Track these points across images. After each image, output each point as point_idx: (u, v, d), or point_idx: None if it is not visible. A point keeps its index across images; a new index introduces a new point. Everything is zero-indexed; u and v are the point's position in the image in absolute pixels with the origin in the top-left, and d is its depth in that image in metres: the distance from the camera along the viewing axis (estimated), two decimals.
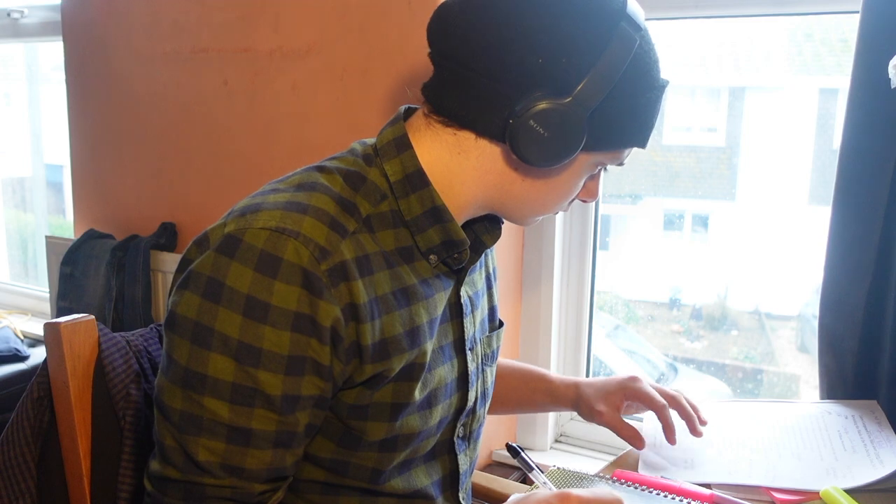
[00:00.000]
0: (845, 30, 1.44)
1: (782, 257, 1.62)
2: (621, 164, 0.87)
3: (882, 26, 1.05)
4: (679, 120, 1.70)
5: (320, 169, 0.83)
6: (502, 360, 1.19)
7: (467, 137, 0.82)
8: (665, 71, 0.85)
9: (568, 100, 0.76)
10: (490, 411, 1.15)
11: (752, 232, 1.68)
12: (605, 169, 0.89)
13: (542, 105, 0.76)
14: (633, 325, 1.88)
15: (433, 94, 0.83)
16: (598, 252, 1.57)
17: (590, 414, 1.07)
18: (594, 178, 0.89)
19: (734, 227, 1.72)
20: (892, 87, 1.00)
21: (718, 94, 1.69)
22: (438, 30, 0.82)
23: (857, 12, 1.08)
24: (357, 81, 1.54)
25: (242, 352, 0.72)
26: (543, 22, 0.76)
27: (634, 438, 1.03)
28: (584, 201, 0.91)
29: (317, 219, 0.75)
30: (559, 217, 1.52)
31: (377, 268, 0.79)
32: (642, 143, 0.84)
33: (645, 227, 1.78)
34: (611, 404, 1.06)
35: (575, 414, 1.61)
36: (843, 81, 1.21)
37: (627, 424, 1.05)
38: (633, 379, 1.06)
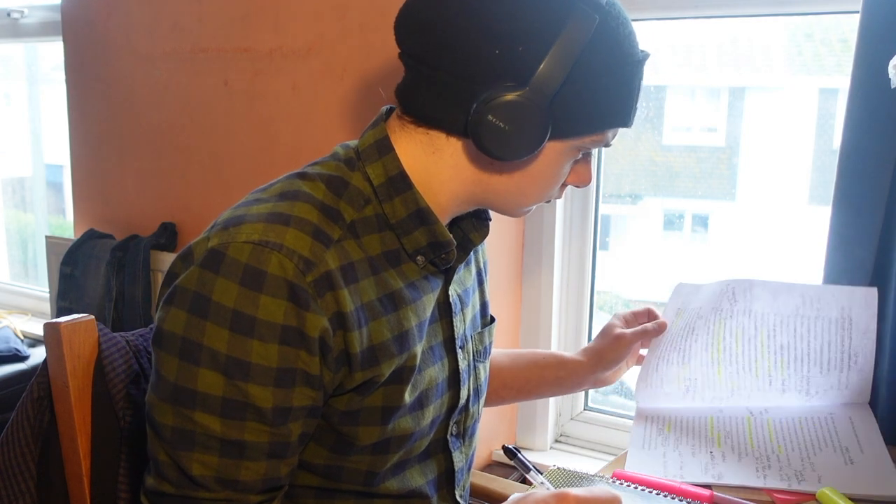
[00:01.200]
0: (845, 30, 1.44)
1: (782, 257, 1.61)
2: (607, 145, 0.85)
3: (882, 26, 1.05)
4: (679, 120, 1.70)
5: (302, 176, 0.82)
6: (510, 350, 1.19)
7: (438, 136, 0.82)
8: (642, 44, 0.82)
9: (525, 90, 0.75)
10: (502, 399, 1.16)
11: (752, 232, 1.67)
12: (590, 153, 0.87)
13: (500, 98, 0.75)
14: None
15: (403, 94, 0.82)
16: (598, 252, 1.57)
17: (614, 346, 1.09)
18: (581, 162, 0.87)
19: (734, 227, 1.72)
20: (892, 87, 1.00)
21: (718, 94, 1.69)
22: (402, 29, 0.81)
23: (857, 12, 1.08)
24: (357, 81, 1.54)
25: (231, 366, 0.72)
26: (498, 12, 0.75)
27: (658, 326, 1.10)
28: (577, 186, 0.89)
29: (300, 230, 0.75)
30: (559, 217, 1.52)
31: (362, 275, 0.79)
32: (624, 123, 0.82)
33: (645, 227, 1.78)
34: (625, 327, 1.11)
35: (575, 414, 1.61)
36: (843, 81, 1.20)
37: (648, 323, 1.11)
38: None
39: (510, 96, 0.75)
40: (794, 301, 1.08)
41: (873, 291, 1.06)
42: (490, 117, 0.75)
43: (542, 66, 0.74)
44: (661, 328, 1.10)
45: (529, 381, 1.15)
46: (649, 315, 1.13)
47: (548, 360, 1.14)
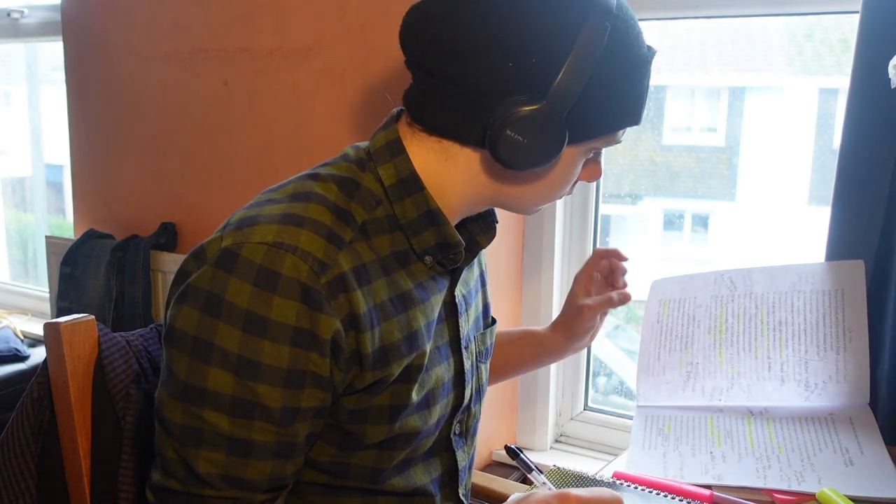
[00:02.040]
0: (845, 30, 1.44)
1: (782, 257, 1.61)
2: (618, 142, 0.86)
3: (882, 26, 1.05)
4: (679, 120, 1.70)
5: (314, 177, 0.82)
6: None
7: (452, 145, 0.82)
8: (649, 40, 0.83)
9: (543, 103, 0.75)
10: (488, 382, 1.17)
11: (752, 232, 1.67)
12: (601, 150, 0.88)
13: (517, 112, 0.75)
14: (633, 325, 1.87)
15: (412, 103, 0.82)
16: None
17: (579, 317, 1.10)
18: (592, 159, 0.88)
19: (734, 227, 1.72)
20: (892, 87, 1.00)
21: (718, 94, 1.69)
22: (408, 40, 0.81)
23: (857, 12, 1.08)
24: (357, 81, 1.54)
25: (242, 366, 0.72)
26: (509, 25, 0.75)
27: (622, 297, 1.09)
28: (588, 181, 0.91)
29: (314, 231, 0.75)
30: (559, 217, 1.52)
31: (374, 276, 0.79)
32: (636, 121, 0.83)
33: (645, 227, 1.78)
34: (587, 293, 1.11)
35: (575, 414, 1.61)
36: (843, 81, 1.20)
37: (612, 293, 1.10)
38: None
39: (528, 110, 0.75)
40: (791, 279, 1.13)
41: (860, 263, 1.11)
42: (509, 132, 0.75)
43: (559, 79, 0.74)
44: (624, 299, 1.09)
45: (509, 363, 1.17)
46: (602, 256, 1.12)
47: (524, 339, 1.17)
